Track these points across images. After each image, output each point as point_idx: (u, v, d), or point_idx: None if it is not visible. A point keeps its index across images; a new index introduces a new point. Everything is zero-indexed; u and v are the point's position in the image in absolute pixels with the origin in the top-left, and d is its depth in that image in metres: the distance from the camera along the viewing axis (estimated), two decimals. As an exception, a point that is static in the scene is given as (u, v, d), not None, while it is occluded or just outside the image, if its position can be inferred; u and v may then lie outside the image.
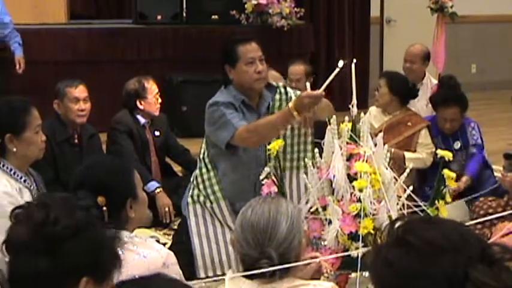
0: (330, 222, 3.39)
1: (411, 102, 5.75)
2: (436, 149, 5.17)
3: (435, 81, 6.42)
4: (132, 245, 2.57)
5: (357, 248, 3.33)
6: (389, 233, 1.50)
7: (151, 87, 5.58)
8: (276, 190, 3.63)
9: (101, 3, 10.22)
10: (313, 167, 3.54)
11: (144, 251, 2.57)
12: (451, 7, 8.07)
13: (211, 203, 4.18)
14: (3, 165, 3.22)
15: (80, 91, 5.14)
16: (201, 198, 4.20)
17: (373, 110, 5.72)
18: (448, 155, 3.66)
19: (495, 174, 5.60)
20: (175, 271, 2.62)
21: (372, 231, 3.32)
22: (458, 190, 5.00)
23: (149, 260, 2.55)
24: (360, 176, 3.38)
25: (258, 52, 4.15)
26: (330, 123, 3.58)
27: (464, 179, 5.27)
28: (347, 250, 3.35)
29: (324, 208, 3.44)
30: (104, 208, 2.52)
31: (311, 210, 3.50)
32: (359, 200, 3.35)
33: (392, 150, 5.19)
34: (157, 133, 5.65)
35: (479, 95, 8.48)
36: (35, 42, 7.51)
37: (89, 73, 7.07)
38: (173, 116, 7.00)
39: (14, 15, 7.53)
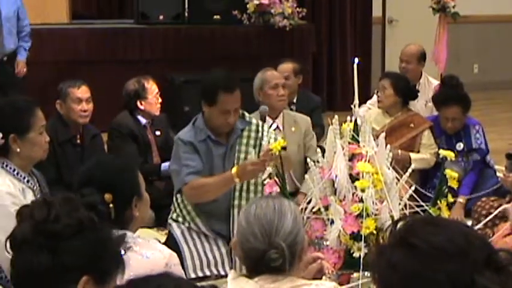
0: (332, 222, 3.39)
1: (411, 102, 5.77)
2: (439, 149, 5.19)
3: (434, 81, 6.43)
4: (135, 245, 2.57)
5: (359, 248, 3.33)
6: (392, 234, 1.49)
7: (152, 87, 5.57)
8: (278, 190, 3.64)
9: (103, 4, 10.22)
10: (316, 167, 3.54)
11: (146, 251, 2.57)
12: (453, 7, 8.07)
13: (188, 223, 4.40)
14: (6, 166, 3.21)
15: (82, 91, 5.14)
16: (180, 219, 4.43)
17: (372, 112, 5.72)
18: (450, 155, 3.67)
19: (497, 174, 5.60)
20: (177, 271, 2.62)
21: (374, 231, 3.32)
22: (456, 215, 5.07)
23: (152, 261, 2.55)
24: (362, 176, 3.39)
25: (236, 103, 4.22)
26: (332, 123, 3.58)
27: (458, 204, 5.24)
28: (349, 250, 3.36)
29: (326, 208, 3.44)
30: (111, 205, 2.54)
31: (313, 210, 3.50)
32: (361, 200, 3.36)
33: (400, 152, 5.26)
34: (158, 133, 5.66)
35: (481, 95, 8.47)
36: (36, 43, 7.51)
37: (91, 73, 7.09)
38: (175, 116, 7.00)
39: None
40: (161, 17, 8.29)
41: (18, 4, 6.81)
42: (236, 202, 4.30)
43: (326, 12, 9.72)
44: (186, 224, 4.39)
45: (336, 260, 3.38)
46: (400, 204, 3.46)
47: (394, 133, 5.39)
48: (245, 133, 4.33)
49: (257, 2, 8.24)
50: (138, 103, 5.50)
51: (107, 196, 2.53)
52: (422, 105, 6.27)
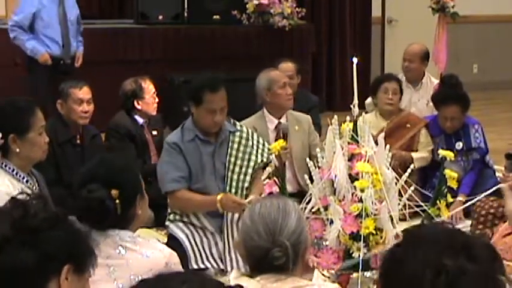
0: (331, 222, 3.39)
1: (412, 102, 5.79)
2: (438, 149, 5.21)
3: (436, 81, 6.43)
4: (135, 244, 2.58)
5: (358, 248, 3.34)
6: None
7: (149, 86, 5.58)
8: (278, 190, 3.64)
9: (103, 4, 10.21)
10: (315, 167, 3.55)
11: (146, 250, 2.58)
12: (453, 7, 8.07)
13: (187, 217, 4.44)
14: (5, 166, 3.21)
15: (84, 92, 5.15)
16: (177, 217, 4.47)
17: (367, 116, 5.74)
18: (449, 155, 3.67)
19: (496, 174, 5.60)
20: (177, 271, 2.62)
21: (373, 231, 3.33)
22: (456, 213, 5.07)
23: (152, 260, 2.56)
24: (362, 176, 3.39)
25: (222, 102, 4.31)
26: (331, 123, 3.58)
27: (457, 202, 5.23)
28: (348, 250, 3.36)
29: (326, 208, 3.45)
30: (117, 201, 2.55)
31: (313, 210, 3.50)
32: (360, 200, 3.36)
33: (403, 153, 5.31)
34: (154, 132, 5.67)
35: (480, 95, 8.47)
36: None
37: (90, 73, 7.07)
38: (174, 116, 7.00)
39: (15, 15, 7.56)
40: (161, 17, 8.29)
41: (77, 8, 6.94)
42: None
43: (325, 12, 9.72)
44: (186, 219, 4.44)
45: (336, 260, 3.38)
46: (399, 204, 3.46)
47: (393, 135, 5.41)
48: (236, 138, 4.43)
49: (256, 2, 8.24)
50: (135, 103, 5.51)
51: (114, 192, 2.55)
52: (424, 105, 6.28)
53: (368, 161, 3.41)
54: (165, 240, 4.57)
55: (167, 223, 4.54)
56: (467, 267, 1.49)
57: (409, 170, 3.54)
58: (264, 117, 5.22)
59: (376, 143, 3.51)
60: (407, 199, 3.55)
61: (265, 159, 4.40)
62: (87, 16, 8.96)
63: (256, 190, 4.32)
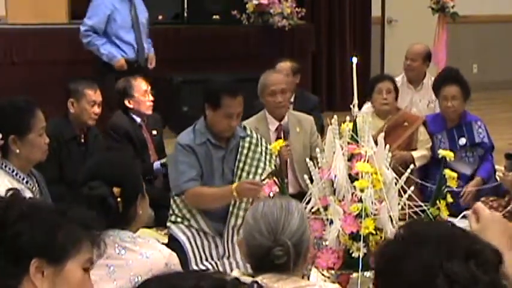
0: (331, 222, 3.39)
1: (413, 102, 5.79)
2: (439, 145, 5.23)
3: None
4: (135, 245, 2.58)
5: (358, 248, 3.33)
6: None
7: (139, 84, 5.55)
8: (278, 190, 3.64)
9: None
10: (315, 167, 3.54)
11: (146, 251, 2.58)
12: (452, 7, 8.08)
13: (188, 220, 4.42)
14: (5, 166, 3.21)
15: (97, 95, 5.16)
16: (179, 220, 4.45)
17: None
18: (449, 155, 3.66)
19: (496, 173, 5.60)
20: (177, 271, 2.62)
21: (373, 231, 3.32)
22: (470, 193, 5.12)
23: (151, 260, 2.56)
24: (361, 176, 3.38)
25: (239, 108, 4.31)
26: (331, 123, 3.58)
27: (474, 181, 5.30)
28: (348, 250, 3.36)
29: (325, 208, 3.44)
30: (119, 199, 2.55)
31: (312, 210, 3.50)
32: (360, 200, 3.35)
33: (404, 153, 5.33)
34: (154, 132, 5.66)
35: (480, 95, 8.47)
36: (36, 43, 7.52)
37: (90, 73, 7.07)
38: (173, 116, 7.01)
39: (14, 15, 7.56)
40: (160, 17, 8.29)
41: (146, 10, 6.93)
42: (231, 209, 4.39)
43: (325, 12, 9.72)
44: (186, 222, 4.43)
45: (335, 260, 3.38)
46: (399, 204, 3.46)
47: (392, 135, 5.40)
48: (246, 143, 4.43)
49: (256, 2, 8.24)
50: (127, 102, 5.50)
51: (116, 190, 2.55)
52: (425, 105, 6.28)
53: (368, 161, 3.41)
54: (165, 240, 4.57)
55: (168, 224, 4.53)
56: (478, 276, 1.43)
57: (408, 170, 3.53)
58: (265, 119, 5.22)
59: (376, 143, 3.51)
60: (407, 199, 3.55)
61: (272, 167, 4.35)
62: (85, 16, 8.95)
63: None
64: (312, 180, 3.53)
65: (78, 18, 8.42)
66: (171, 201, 4.51)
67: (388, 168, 3.45)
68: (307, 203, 3.51)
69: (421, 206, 3.53)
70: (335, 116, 3.59)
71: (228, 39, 8.37)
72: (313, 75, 9.21)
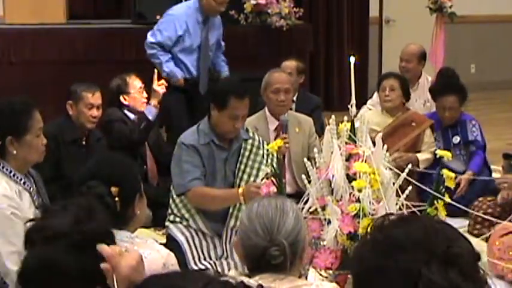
0: (329, 222, 3.39)
1: (410, 101, 5.80)
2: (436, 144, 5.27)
3: (430, 78, 6.49)
4: (133, 245, 2.58)
5: (356, 248, 3.33)
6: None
7: (134, 82, 5.63)
8: (275, 190, 3.64)
9: (100, 4, 10.20)
10: (313, 167, 3.54)
11: (144, 251, 2.57)
12: (450, 7, 8.07)
13: (187, 221, 4.41)
14: (2, 167, 3.20)
15: (96, 98, 5.15)
16: (177, 219, 4.44)
17: (372, 112, 5.76)
18: (447, 155, 3.67)
19: (494, 174, 5.62)
20: (175, 271, 2.62)
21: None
22: (463, 186, 5.19)
23: (149, 261, 2.55)
24: (359, 176, 3.38)
25: (245, 110, 4.31)
26: (329, 123, 3.58)
27: (466, 175, 5.38)
28: (346, 250, 3.36)
29: (323, 208, 3.44)
30: (117, 199, 2.55)
31: (310, 210, 3.50)
32: (358, 200, 3.35)
33: (409, 155, 5.37)
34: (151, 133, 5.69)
35: (478, 95, 8.47)
36: (33, 42, 7.51)
37: (88, 73, 7.07)
38: (172, 116, 6.98)
39: (13, 15, 7.55)
40: (158, 17, 8.26)
41: (221, 27, 6.73)
42: (231, 210, 4.40)
43: (323, 12, 9.72)
44: (184, 223, 4.42)
45: (333, 260, 3.38)
46: (397, 204, 3.46)
47: (397, 133, 5.44)
48: (248, 145, 4.43)
49: (254, 2, 8.23)
50: (122, 98, 5.55)
51: (114, 189, 2.56)
52: (421, 105, 6.29)
53: (365, 161, 3.41)
54: (163, 240, 4.57)
55: (167, 223, 4.53)
56: (458, 285, 1.39)
57: (406, 170, 3.53)
58: (265, 118, 5.22)
59: (374, 143, 3.51)
60: (405, 199, 3.55)
61: (274, 171, 4.33)
62: (83, 16, 8.97)
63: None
64: (309, 181, 3.53)
65: (76, 18, 8.44)
66: (170, 200, 4.50)
67: (386, 168, 3.46)
68: (305, 203, 3.51)
69: (419, 206, 3.53)
70: (333, 116, 3.60)
71: (226, 39, 8.36)
72: (311, 75, 9.20)
